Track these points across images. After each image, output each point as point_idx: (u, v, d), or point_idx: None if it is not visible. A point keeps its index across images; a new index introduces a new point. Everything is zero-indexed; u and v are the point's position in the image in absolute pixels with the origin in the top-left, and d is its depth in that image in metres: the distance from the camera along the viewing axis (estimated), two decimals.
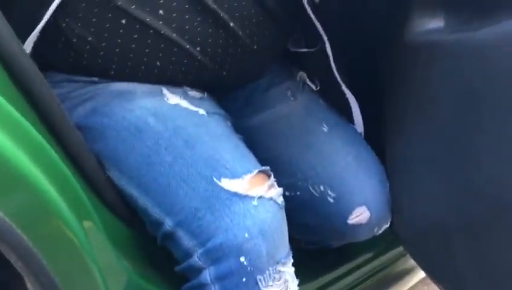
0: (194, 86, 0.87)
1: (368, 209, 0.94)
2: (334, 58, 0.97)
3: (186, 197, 0.76)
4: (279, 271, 0.76)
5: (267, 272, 0.74)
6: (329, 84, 0.99)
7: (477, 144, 0.82)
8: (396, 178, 0.96)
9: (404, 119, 0.93)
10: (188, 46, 0.83)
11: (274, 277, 0.75)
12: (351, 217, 0.93)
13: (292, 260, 0.78)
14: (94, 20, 0.81)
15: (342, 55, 0.98)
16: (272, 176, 0.79)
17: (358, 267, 1.09)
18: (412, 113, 0.92)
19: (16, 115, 0.66)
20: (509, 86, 0.78)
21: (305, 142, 0.96)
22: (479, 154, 0.82)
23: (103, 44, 0.82)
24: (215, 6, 0.83)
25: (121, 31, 0.81)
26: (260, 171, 0.78)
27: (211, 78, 0.87)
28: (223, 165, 0.77)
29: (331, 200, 0.93)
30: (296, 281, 0.79)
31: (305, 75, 1.03)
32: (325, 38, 0.96)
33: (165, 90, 0.84)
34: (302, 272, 0.80)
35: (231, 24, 0.84)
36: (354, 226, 0.94)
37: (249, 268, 0.73)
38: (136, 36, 0.82)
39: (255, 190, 0.76)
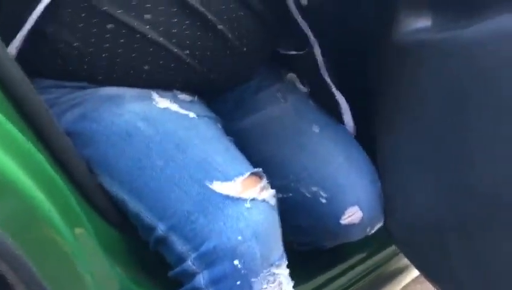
0: (183, 89, 0.86)
1: (360, 209, 0.93)
2: (323, 60, 0.97)
3: (178, 201, 0.75)
4: (274, 273, 0.75)
5: (261, 274, 0.74)
6: (319, 86, 0.99)
7: (465, 143, 0.82)
8: (387, 178, 0.96)
9: (392, 119, 0.93)
10: (176, 50, 0.83)
11: (268, 280, 0.75)
12: (343, 217, 0.93)
13: (286, 262, 0.78)
14: (80, 25, 0.81)
15: (331, 57, 0.98)
16: (265, 177, 0.79)
17: (352, 267, 1.09)
18: (400, 113, 0.92)
19: (4, 121, 0.65)
20: (496, 83, 0.78)
21: (297, 143, 0.96)
22: (468, 153, 0.82)
23: (90, 49, 0.81)
24: (203, 9, 0.82)
25: (107, 36, 0.81)
26: (252, 173, 0.78)
27: (200, 81, 0.87)
28: (215, 168, 0.76)
29: (324, 201, 0.93)
30: (291, 283, 0.79)
31: (294, 76, 1.03)
32: (313, 40, 0.96)
33: (154, 94, 0.84)
34: (296, 274, 0.80)
35: (219, 26, 0.84)
36: (346, 226, 0.94)
37: (243, 271, 0.73)
38: (123, 41, 0.81)
39: (247, 192, 0.75)
